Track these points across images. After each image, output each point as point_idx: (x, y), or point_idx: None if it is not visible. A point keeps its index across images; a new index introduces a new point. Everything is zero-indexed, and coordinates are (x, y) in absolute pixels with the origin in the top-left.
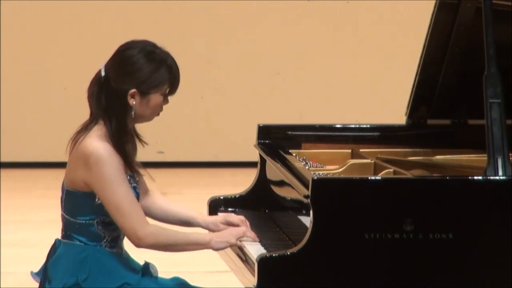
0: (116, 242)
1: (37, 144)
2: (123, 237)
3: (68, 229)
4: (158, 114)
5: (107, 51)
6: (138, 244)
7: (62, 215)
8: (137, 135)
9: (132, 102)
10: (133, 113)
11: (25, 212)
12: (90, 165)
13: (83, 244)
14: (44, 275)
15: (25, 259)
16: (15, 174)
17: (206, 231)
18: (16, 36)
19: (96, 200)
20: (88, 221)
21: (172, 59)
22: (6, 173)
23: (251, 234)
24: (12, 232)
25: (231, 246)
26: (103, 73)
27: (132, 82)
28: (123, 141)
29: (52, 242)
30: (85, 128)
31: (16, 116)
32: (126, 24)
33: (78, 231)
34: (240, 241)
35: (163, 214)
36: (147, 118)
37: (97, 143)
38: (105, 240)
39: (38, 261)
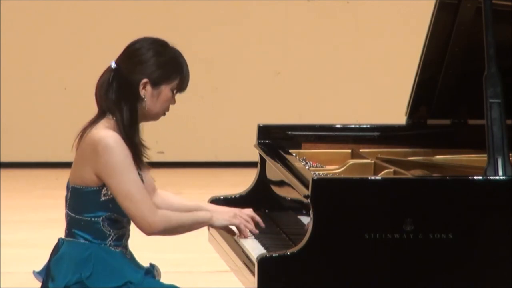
0: (120, 241)
1: (37, 144)
2: (128, 237)
3: (72, 226)
4: (164, 114)
5: (107, 51)
6: (150, 230)
7: (66, 214)
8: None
9: (143, 92)
10: (144, 104)
11: (25, 212)
12: (98, 152)
13: (87, 242)
14: (46, 274)
15: (25, 259)
16: (15, 174)
17: (207, 210)
18: (16, 36)
19: (102, 196)
20: (94, 218)
21: (183, 57)
22: (6, 173)
23: (251, 226)
24: (12, 232)
25: (233, 225)
26: (114, 66)
27: (144, 71)
28: (133, 132)
29: (52, 242)
30: (92, 123)
31: (16, 116)
32: (126, 24)
33: (83, 228)
34: (239, 236)
35: (173, 209)
36: (155, 115)
37: (105, 132)
38: (110, 239)
39: (38, 261)
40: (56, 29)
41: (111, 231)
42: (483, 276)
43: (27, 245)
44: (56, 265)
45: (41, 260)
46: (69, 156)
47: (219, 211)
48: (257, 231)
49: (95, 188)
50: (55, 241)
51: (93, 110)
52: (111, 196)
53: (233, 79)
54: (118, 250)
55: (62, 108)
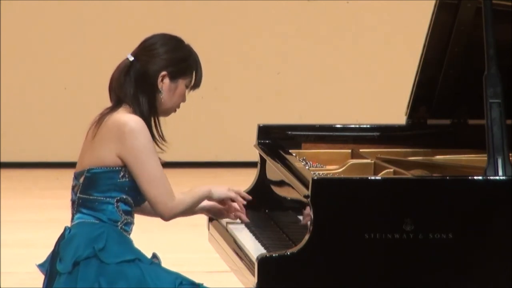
0: (129, 227)
1: (37, 144)
2: (132, 227)
3: (84, 207)
4: (175, 110)
5: (107, 51)
6: (169, 214)
7: (77, 199)
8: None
9: (161, 85)
10: (161, 96)
11: (25, 212)
12: (124, 134)
13: (99, 221)
14: (53, 258)
15: (25, 259)
16: (15, 174)
17: (203, 185)
18: (16, 36)
19: (120, 178)
20: (108, 199)
21: (197, 54)
22: (6, 173)
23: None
24: (12, 232)
25: (229, 197)
26: (131, 58)
27: (163, 64)
28: (150, 125)
29: (52, 242)
30: (110, 110)
31: (16, 116)
32: (126, 24)
33: (96, 209)
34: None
35: None
36: (167, 109)
37: (130, 116)
38: (121, 222)
39: (38, 261)
40: (56, 29)
41: (122, 215)
42: (483, 276)
43: (27, 245)
44: (67, 246)
45: (41, 260)
46: (69, 156)
47: (215, 186)
48: (245, 217)
49: (114, 168)
50: (55, 241)
51: (93, 110)
52: (129, 179)
53: (233, 79)
54: (128, 236)
55: (62, 108)
